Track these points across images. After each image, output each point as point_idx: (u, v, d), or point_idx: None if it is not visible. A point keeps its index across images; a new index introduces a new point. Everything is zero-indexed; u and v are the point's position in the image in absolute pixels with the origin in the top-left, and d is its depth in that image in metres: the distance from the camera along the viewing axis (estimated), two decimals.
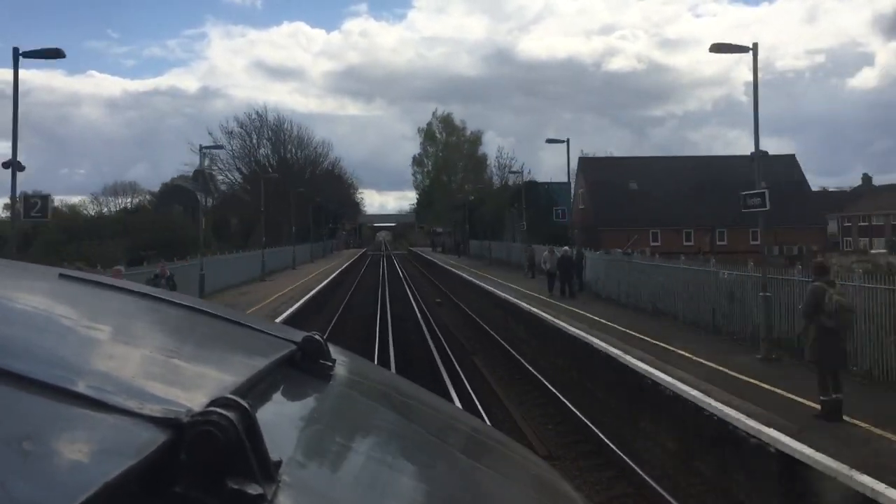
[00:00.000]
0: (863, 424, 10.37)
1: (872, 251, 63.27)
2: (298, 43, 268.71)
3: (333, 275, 47.82)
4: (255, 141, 78.38)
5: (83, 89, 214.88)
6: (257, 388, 0.96)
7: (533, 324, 24.18)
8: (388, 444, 1.14)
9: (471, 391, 17.47)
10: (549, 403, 16.77)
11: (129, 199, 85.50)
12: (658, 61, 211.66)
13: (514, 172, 60.72)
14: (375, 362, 14.69)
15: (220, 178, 77.60)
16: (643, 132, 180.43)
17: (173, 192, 77.58)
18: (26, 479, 0.60)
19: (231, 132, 75.41)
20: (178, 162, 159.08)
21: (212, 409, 0.71)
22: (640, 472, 11.62)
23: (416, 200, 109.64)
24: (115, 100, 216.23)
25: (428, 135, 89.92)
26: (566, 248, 30.10)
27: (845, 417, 10.54)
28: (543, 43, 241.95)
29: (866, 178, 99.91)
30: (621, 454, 12.49)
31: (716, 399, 11.96)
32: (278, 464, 0.74)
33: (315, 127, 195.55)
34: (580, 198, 66.92)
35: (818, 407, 10.84)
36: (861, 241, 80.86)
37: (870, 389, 12.53)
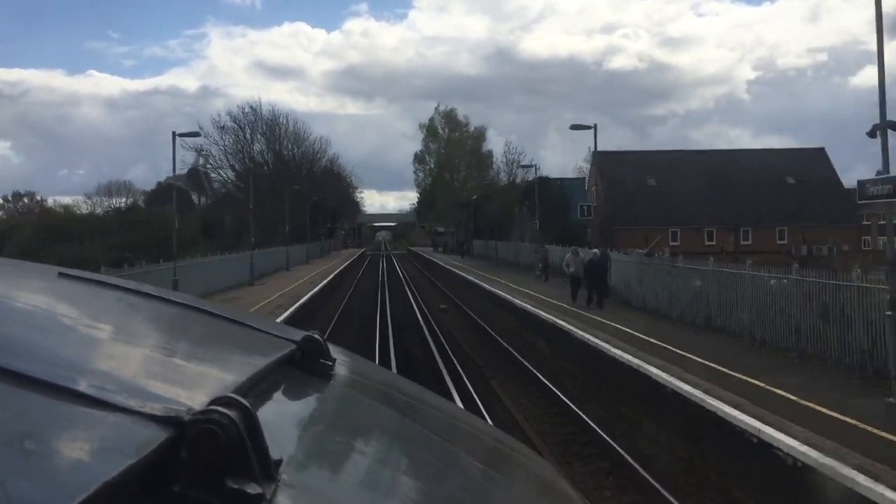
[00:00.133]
0: None
1: None
2: (299, 43, 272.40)
3: (329, 277, 46.26)
4: (248, 136, 77.89)
5: (83, 89, 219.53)
6: (258, 388, 1.00)
7: (565, 342, 21.00)
8: (388, 443, 1.18)
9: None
10: (618, 469, 12.52)
11: (123, 199, 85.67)
12: (660, 60, 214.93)
13: (525, 166, 59.77)
14: None
15: (213, 175, 77.45)
16: (645, 131, 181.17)
17: (167, 192, 77.53)
18: (27, 477, 0.62)
19: (223, 127, 74.78)
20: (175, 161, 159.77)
21: (213, 407, 0.74)
22: None
23: (416, 199, 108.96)
24: (115, 99, 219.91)
25: (430, 131, 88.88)
26: (595, 250, 28.24)
27: None
28: (545, 42, 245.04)
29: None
30: None
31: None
32: (278, 463, 0.77)
33: (314, 125, 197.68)
34: (593, 194, 66.02)
35: None
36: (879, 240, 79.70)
37: None
